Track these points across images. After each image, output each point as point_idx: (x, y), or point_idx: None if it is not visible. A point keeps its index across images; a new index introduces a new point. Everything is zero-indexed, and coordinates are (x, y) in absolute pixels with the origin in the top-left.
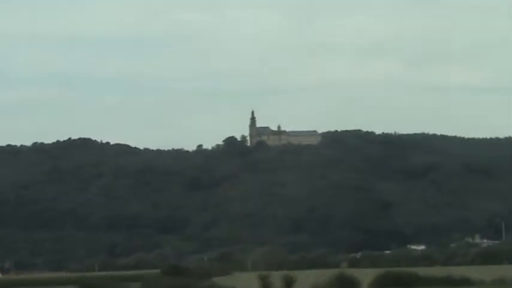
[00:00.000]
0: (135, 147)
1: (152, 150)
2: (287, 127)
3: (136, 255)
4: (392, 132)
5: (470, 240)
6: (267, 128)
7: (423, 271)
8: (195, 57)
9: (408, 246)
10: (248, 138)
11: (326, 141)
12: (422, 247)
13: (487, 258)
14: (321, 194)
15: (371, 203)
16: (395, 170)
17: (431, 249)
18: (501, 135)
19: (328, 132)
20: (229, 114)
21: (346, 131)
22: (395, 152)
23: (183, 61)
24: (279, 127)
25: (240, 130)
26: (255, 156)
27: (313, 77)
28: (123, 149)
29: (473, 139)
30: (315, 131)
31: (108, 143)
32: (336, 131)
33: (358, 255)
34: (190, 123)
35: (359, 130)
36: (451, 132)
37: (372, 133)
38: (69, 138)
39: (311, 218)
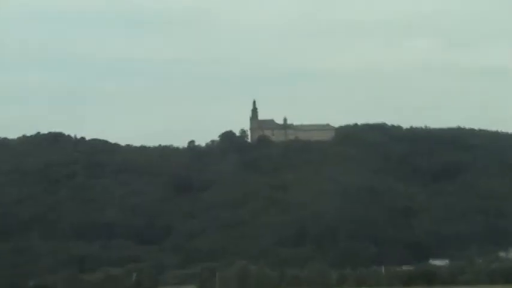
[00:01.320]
0: (114, 144)
1: (135, 146)
2: (295, 120)
3: (105, 270)
4: (423, 126)
5: (503, 255)
6: (271, 120)
7: None
8: (190, 38)
9: (430, 260)
10: (248, 132)
11: (340, 137)
12: (446, 262)
13: None
14: (329, 199)
15: (388, 209)
16: (419, 171)
17: (457, 265)
18: None
19: (345, 127)
20: (227, 104)
21: (367, 124)
22: (421, 150)
23: (176, 42)
24: (285, 120)
25: (240, 123)
26: (256, 154)
27: (329, 62)
28: (100, 146)
29: None
30: (327, 125)
31: (83, 138)
32: (356, 124)
33: (370, 270)
34: (181, 114)
35: (383, 124)
36: (491, 127)
37: (399, 128)
38: (38, 133)
39: (316, 226)
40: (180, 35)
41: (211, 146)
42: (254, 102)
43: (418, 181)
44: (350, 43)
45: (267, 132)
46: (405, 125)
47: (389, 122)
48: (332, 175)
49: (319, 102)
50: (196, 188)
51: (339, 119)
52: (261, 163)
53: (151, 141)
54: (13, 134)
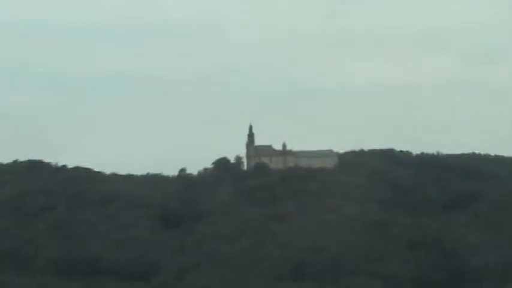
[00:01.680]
0: (99, 172)
1: (121, 175)
2: (295, 146)
3: None
4: (434, 152)
5: None
6: (269, 146)
7: None
8: (182, 52)
9: None
10: (244, 159)
11: (344, 164)
12: None
13: None
14: (330, 231)
15: (394, 243)
16: (429, 201)
17: None
18: None
19: (349, 153)
20: (222, 129)
21: (374, 150)
22: (432, 178)
23: (165, 57)
24: (284, 146)
25: (235, 149)
26: (252, 183)
27: (333, 80)
28: (83, 174)
29: None
30: (330, 151)
31: (64, 166)
32: (362, 150)
33: None
34: (172, 140)
35: (391, 150)
36: (509, 153)
37: (408, 154)
38: (15, 161)
39: (317, 261)
40: (170, 50)
41: (204, 175)
42: (250, 127)
43: (427, 212)
44: (355, 61)
45: (265, 159)
46: (415, 150)
47: (398, 148)
48: (334, 205)
49: (321, 125)
50: (188, 220)
51: (343, 144)
52: (258, 192)
53: (139, 170)
54: None
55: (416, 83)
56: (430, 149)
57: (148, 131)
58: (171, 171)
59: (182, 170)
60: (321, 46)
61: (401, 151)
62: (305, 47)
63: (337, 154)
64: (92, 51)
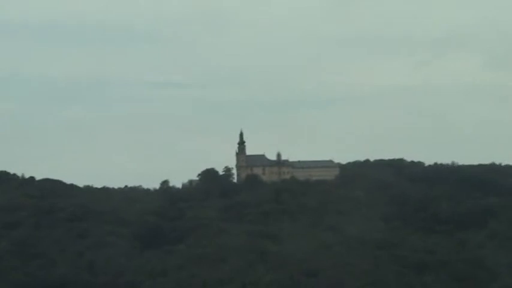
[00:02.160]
0: (71, 185)
1: (96, 188)
2: (291, 155)
3: None
4: (449, 162)
5: None
6: (262, 156)
7: None
8: (162, 54)
9: None
10: (234, 171)
11: (346, 176)
12: None
13: None
14: (328, 252)
15: (400, 265)
16: (441, 218)
17: None
18: None
19: (352, 164)
20: (209, 137)
21: (381, 160)
22: (445, 192)
23: (143, 60)
24: (278, 155)
25: (224, 159)
26: (243, 197)
27: (336, 85)
28: (53, 187)
29: None
30: (330, 161)
31: (32, 178)
32: (367, 160)
33: None
34: (153, 149)
35: (400, 160)
36: None
37: (419, 164)
38: None
39: (314, 285)
40: (141, 54)
41: (189, 188)
42: (241, 135)
43: (438, 230)
44: (362, 62)
45: (257, 170)
46: (428, 161)
47: (408, 158)
48: (334, 224)
49: (321, 133)
50: (170, 239)
51: (345, 155)
52: (249, 208)
53: (116, 182)
54: None
55: (432, 88)
56: (445, 159)
57: (127, 141)
58: (152, 183)
59: (164, 183)
60: (325, 48)
61: (412, 161)
62: (306, 50)
63: (339, 165)
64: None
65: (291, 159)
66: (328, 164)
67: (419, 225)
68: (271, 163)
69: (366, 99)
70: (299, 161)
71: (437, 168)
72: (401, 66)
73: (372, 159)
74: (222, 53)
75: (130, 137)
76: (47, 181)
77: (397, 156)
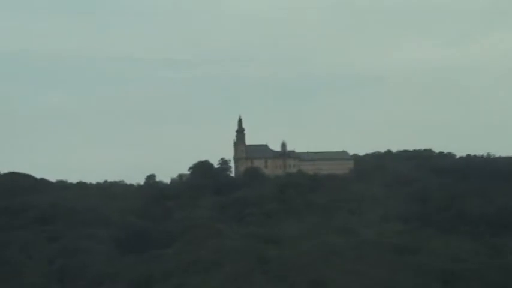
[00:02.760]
0: (41, 179)
1: (70, 183)
2: (298, 146)
3: None
4: (484, 153)
5: None
6: (264, 146)
7: None
8: (149, 27)
9: None
10: (232, 163)
11: (362, 169)
12: None
13: None
14: (338, 258)
15: (423, 273)
16: (471, 218)
17: None
18: None
19: (371, 155)
20: (202, 124)
21: (405, 152)
22: (478, 187)
23: (130, 35)
24: (283, 145)
25: (219, 150)
26: (241, 195)
27: (353, 64)
28: (20, 182)
29: None
30: (344, 152)
31: None
32: (389, 151)
33: None
34: (137, 138)
35: (428, 151)
36: None
37: (450, 156)
38: None
39: None
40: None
41: (179, 183)
42: (240, 121)
43: (467, 233)
44: (386, 39)
45: (258, 163)
46: (460, 152)
47: (437, 148)
48: (346, 225)
49: (333, 119)
50: (155, 243)
51: (362, 145)
52: (249, 207)
53: (94, 177)
54: None
55: (467, 69)
56: (479, 150)
57: (107, 128)
58: (136, 178)
59: (150, 177)
60: (343, 21)
61: (441, 152)
62: (322, 24)
63: (354, 157)
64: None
65: (297, 150)
66: (341, 156)
67: (445, 227)
68: (274, 154)
69: (390, 81)
70: (307, 152)
71: (470, 160)
72: (432, 43)
73: (394, 150)
74: (222, 26)
75: (111, 124)
76: (12, 175)
77: (424, 147)
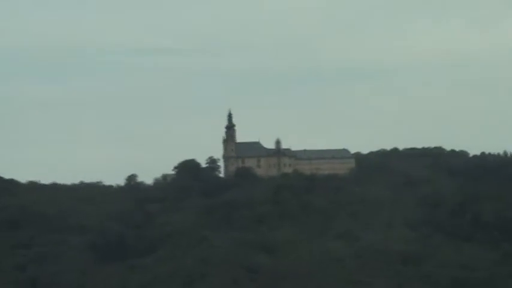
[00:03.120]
0: (10, 180)
1: (42, 185)
2: (293, 144)
3: None
4: (501, 152)
5: None
6: (257, 143)
7: None
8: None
9: None
10: (221, 163)
11: (365, 168)
12: None
13: None
14: (338, 267)
15: (429, 285)
16: (485, 223)
17: None
18: None
19: (373, 153)
20: (189, 119)
21: (413, 149)
22: (493, 189)
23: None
24: (277, 143)
25: (207, 148)
26: (231, 197)
27: (361, 51)
28: None
29: None
30: (344, 151)
31: None
32: (395, 149)
33: None
34: (118, 135)
35: (438, 148)
36: None
37: (463, 154)
38: None
39: None
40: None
41: (162, 185)
42: (230, 116)
43: (480, 240)
44: (395, 24)
45: (250, 162)
46: (474, 150)
47: (448, 146)
48: (347, 230)
49: (334, 114)
50: (135, 251)
51: (365, 142)
52: (239, 211)
53: (68, 177)
54: None
55: (486, 56)
56: (495, 148)
57: (84, 124)
58: (115, 179)
59: (131, 178)
60: (350, 5)
61: (452, 150)
62: (324, 10)
63: (356, 155)
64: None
65: (293, 148)
66: (341, 154)
67: (456, 233)
68: (268, 153)
69: (396, 71)
70: (304, 150)
71: (485, 159)
72: (446, 28)
73: (401, 148)
74: (211, 13)
75: (88, 119)
76: None
77: (434, 144)
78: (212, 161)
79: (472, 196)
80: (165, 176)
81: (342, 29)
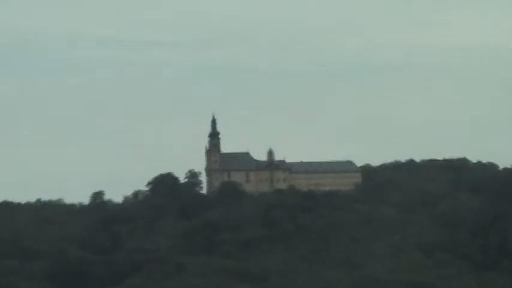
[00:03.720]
0: None
1: None
2: (289, 155)
3: None
4: None
5: None
6: (245, 154)
7: None
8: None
9: None
10: (203, 177)
11: (372, 183)
12: None
13: None
14: None
15: None
16: (507, 248)
17: None
18: None
19: (386, 166)
20: (165, 125)
21: (433, 161)
22: None
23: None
24: (270, 153)
25: (187, 160)
26: (214, 217)
27: (372, 46)
28: None
29: None
30: (348, 162)
31: None
32: (411, 161)
33: None
34: (83, 144)
35: (462, 160)
36: None
37: (492, 167)
38: None
39: None
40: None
41: (133, 203)
42: (214, 122)
43: (509, 268)
44: (410, 14)
45: (237, 176)
46: (504, 162)
47: (474, 158)
48: (349, 256)
49: (337, 119)
50: (100, 281)
51: (373, 153)
52: (223, 234)
53: (23, 194)
54: None
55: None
56: None
57: (43, 130)
58: (79, 196)
59: (97, 195)
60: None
61: (479, 162)
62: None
63: (363, 168)
64: None
65: (288, 160)
66: (345, 167)
67: (478, 260)
68: (258, 165)
69: (411, 69)
70: (301, 163)
71: None
72: (471, 20)
73: (417, 160)
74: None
75: (46, 125)
76: None
77: (457, 155)
78: (192, 175)
79: (500, 216)
80: (136, 193)
81: (344, 27)
